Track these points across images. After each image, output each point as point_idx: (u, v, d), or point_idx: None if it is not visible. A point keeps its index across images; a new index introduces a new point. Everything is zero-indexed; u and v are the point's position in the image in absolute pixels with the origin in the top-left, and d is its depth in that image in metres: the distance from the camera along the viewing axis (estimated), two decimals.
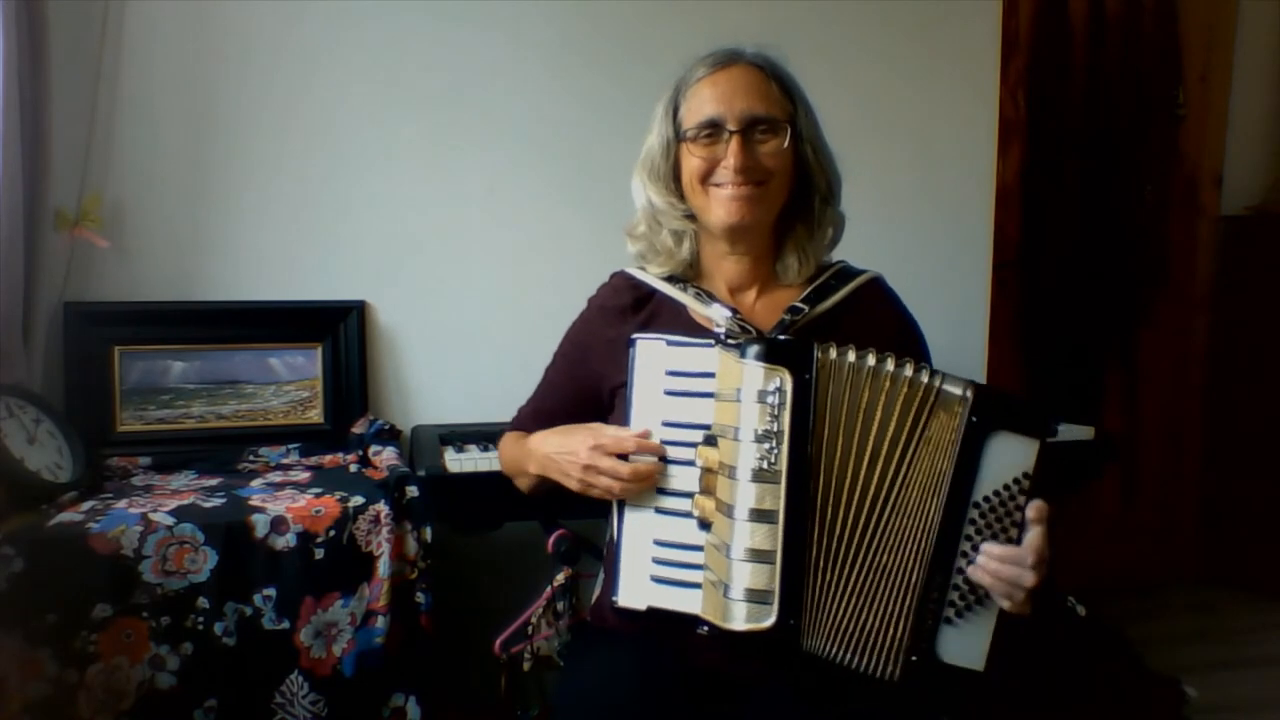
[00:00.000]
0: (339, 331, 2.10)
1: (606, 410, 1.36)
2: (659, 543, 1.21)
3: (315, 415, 2.07)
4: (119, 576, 1.42)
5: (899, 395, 1.13)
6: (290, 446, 1.94)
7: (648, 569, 1.21)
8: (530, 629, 1.39)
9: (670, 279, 1.37)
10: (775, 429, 1.11)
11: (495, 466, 1.69)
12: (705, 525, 1.18)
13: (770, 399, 1.12)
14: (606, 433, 1.25)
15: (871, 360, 1.13)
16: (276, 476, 1.79)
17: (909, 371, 1.13)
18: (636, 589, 1.22)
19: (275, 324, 2.05)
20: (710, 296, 1.34)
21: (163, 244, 2.02)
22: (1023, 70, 2.70)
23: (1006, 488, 1.12)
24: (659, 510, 1.22)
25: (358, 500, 1.56)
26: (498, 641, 1.41)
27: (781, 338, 1.25)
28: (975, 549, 1.12)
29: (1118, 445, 2.80)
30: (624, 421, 1.25)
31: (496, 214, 2.22)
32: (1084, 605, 2.20)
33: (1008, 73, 2.65)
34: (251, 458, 1.90)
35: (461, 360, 2.22)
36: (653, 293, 1.38)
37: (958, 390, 1.12)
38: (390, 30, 2.13)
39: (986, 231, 2.64)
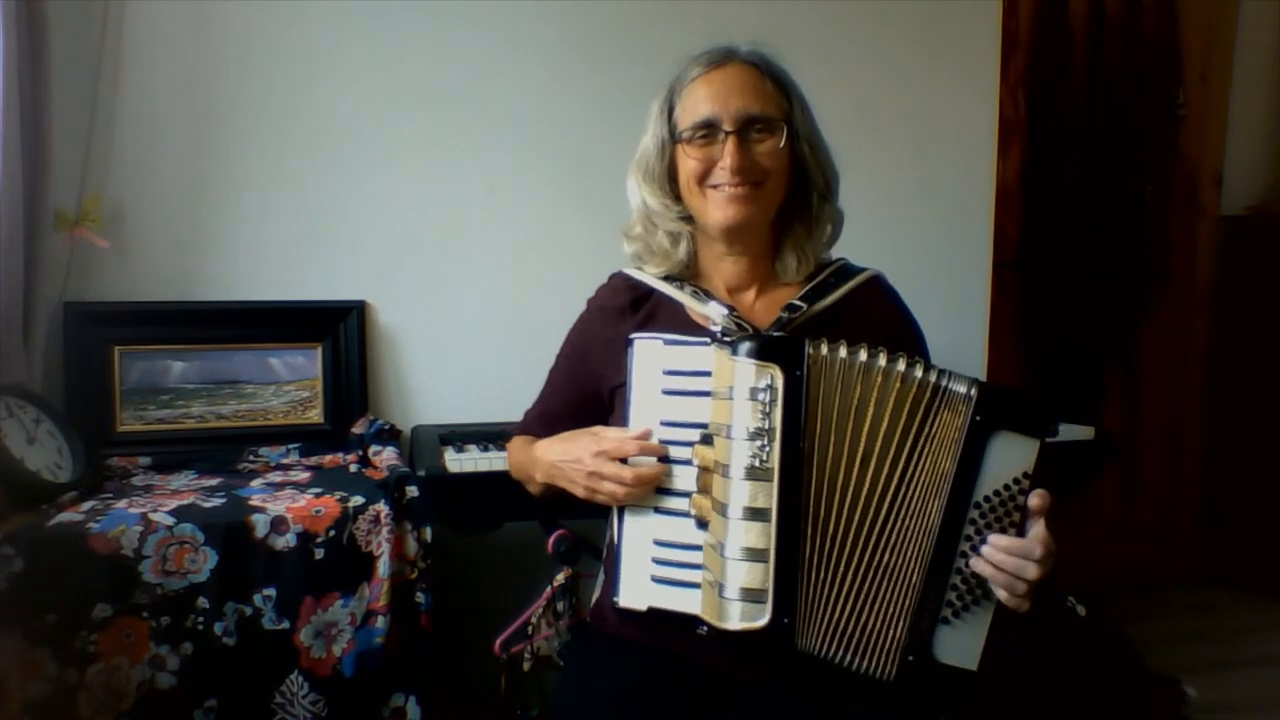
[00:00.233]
0: (339, 331, 2.10)
1: (608, 411, 1.35)
2: (659, 543, 1.21)
3: (315, 415, 2.07)
4: (119, 576, 1.42)
5: (894, 391, 1.12)
6: (290, 446, 1.94)
7: (648, 569, 1.21)
8: (530, 629, 1.39)
9: (668, 278, 1.36)
10: (767, 426, 1.11)
11: (495, 466, 1.70)
12: (703, 524, 1.17)
13: (762, 396, 1.11)
14: (608, 436, 1.24)
15: (864, 356, 1.12)
16: (276, 476, 1.79)
17: (902, 366, 1.12)
18: (637, 589, 1.22)
19: (275, 324, 2.05)
20: (707, 294, 1.33)
21: (163, 244, 2.02)
22: (1023, 70, 2.70)
23: (1006, 488, 1.11)
24: (659, 510, 1.22)
25: (358, 500, 1.56)
26: (498, 641, 1.41)
27: (773, 334, 1.24)
28: (974, 549, 1.11)
29: (1118, 445, 2.80)
30: (624, 422, 1.25)
31: (496, 214, 2.22)
32: (1084, 605, 2.20)
33: (1008, 72, 2.65)
34: (251, 458, 1.90)
35: (461, 360, 2.22)
36: (651, 292, 1.37)
37: (963, 388, 1.11)
38: (390, 30, 2.12)
39: (986, 231, 2.64)
